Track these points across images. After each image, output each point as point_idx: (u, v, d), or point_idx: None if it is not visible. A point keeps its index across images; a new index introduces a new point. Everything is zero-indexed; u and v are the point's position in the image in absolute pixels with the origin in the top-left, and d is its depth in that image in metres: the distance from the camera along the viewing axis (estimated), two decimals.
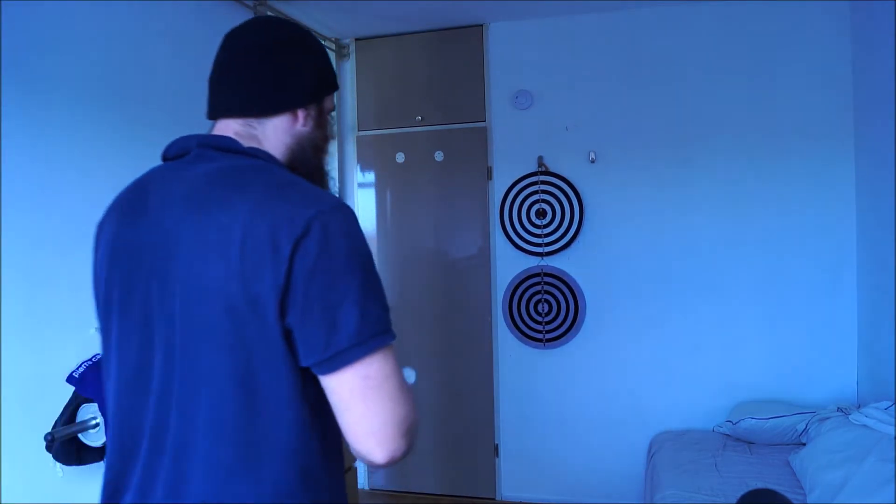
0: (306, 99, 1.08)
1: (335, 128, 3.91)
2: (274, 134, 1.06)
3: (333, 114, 1.18)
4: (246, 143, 1.04)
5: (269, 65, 1.04)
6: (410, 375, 1.37)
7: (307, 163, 1.09)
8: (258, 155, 1.02)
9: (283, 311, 0.90)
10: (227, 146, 1.02)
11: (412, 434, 0.96)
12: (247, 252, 0.90)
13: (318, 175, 1.12)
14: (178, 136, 1.11)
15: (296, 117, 1.07)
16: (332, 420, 0.97)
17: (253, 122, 1.05)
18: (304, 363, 0.92)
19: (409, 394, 0.96)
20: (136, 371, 0.99)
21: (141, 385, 0.99)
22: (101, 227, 1.11)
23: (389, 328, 0.94)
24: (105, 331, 1.06)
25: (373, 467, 0.94)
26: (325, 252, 0.90)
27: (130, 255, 1.01)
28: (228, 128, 1.06)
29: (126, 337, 1.01)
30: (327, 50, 3.82)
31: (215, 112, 1.08)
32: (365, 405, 0.91)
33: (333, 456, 1.02)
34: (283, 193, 0.93)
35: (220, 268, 0.91)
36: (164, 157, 1.10)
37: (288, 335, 0.92)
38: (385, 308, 0.95)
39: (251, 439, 0.92)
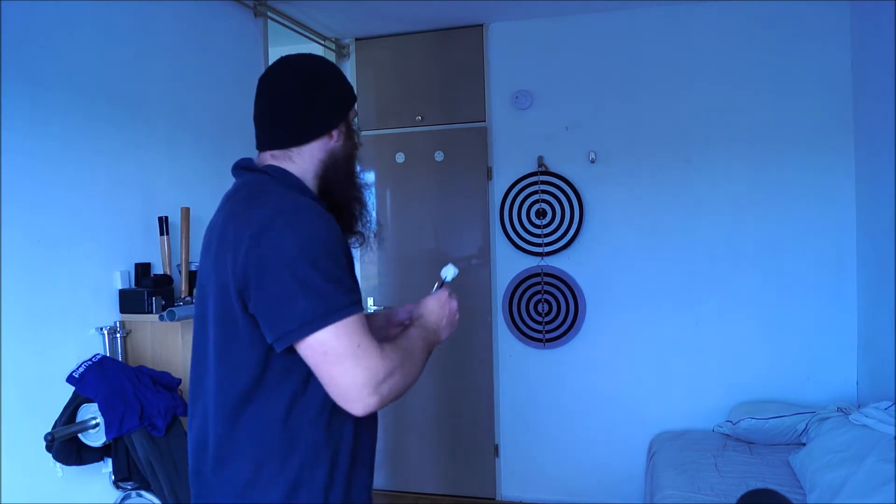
0: (334, 123, 1.28)
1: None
2: (310, 154, 1.27)
3: (356, 125, 1.37)
4: (277, 162, 1.26)
5: (301, 106, 1.24)
6: (449, 272, 1.43)
7: (338, 171, 1.29)
8: (268, 172, 1.23)
9: (243, 301, 1.13)
10: (246, 165, 1.26)
11: (384, 387, 1.12)
12: (220, 250, 1.16)
13: (349, 181, 1.32)
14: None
15: (331, 137, 1.28)
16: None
17: (294, 149, 1.26)
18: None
19: (371, 355, 1.11)
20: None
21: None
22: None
23: (337, 309, 1.09)
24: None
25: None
26: (270, 251, 1.09)
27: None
28: (267, 153, 1.28)
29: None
30: (327, 50, 3.84)
31: (263, 146, 1.28)
32: (328, 373, 1.11)
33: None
34: (252, 201, 1.16)
35: (212, 262, 1.18)
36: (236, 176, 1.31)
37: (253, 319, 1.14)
38: (330, 292, 1.10)
39: None
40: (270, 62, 3.28)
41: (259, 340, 1.14)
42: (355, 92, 1.36)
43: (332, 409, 1.17)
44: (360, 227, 1.37)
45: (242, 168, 1.27)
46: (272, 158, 1.26)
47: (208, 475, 1.20)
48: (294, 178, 1.24)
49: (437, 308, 1.36)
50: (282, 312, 1.09)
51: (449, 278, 1.40)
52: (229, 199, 1.23)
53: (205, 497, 1.21)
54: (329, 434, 1.19)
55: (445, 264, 1.43)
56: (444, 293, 1.37)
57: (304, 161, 1.26)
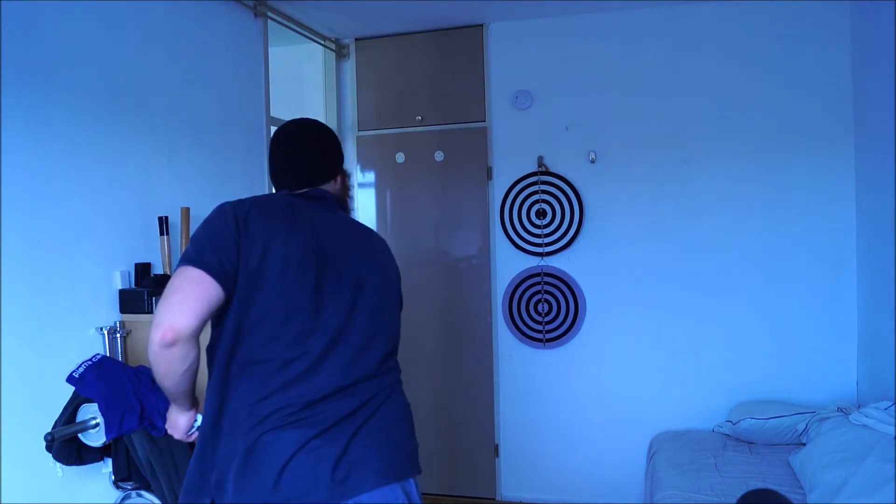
0: (337, 170, 1.71)
1: (337, 127, 3.92)
2: (331, 190, 1.69)
3: (349, 172, 1.81)
4: None
5: (319, 154, 1.67)
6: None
7: (344, 206, 1.74)
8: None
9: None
10: (335, 199, 1.69)
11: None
12: (392, 261, 1.76)
13: (348, 211, 1.79)
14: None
15: (335, 181, 1.69)
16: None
17: (324, 185, 1.66)
18: None
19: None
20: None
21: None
22: (250, 215, 1.47)
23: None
24: (266, 286, 1.45)
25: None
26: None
27: (316, 251, 1.51)
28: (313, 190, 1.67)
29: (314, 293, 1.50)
30: (327, 50, 3.84)
31: (293, 183, 1.64)
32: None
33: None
34: (368, 230, 1.76)
35: (390, 265, 1.75)
36: (299, 195, 1.61)
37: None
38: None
39: None
40: (270, 62, 3.31)
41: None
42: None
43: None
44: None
45: (334, 204, 1.67)
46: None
47: None
48: None
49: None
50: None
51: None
52: (351, 225, 1.67)
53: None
54: None
55: None
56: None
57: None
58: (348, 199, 1.77)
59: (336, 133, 1.78)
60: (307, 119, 1.72)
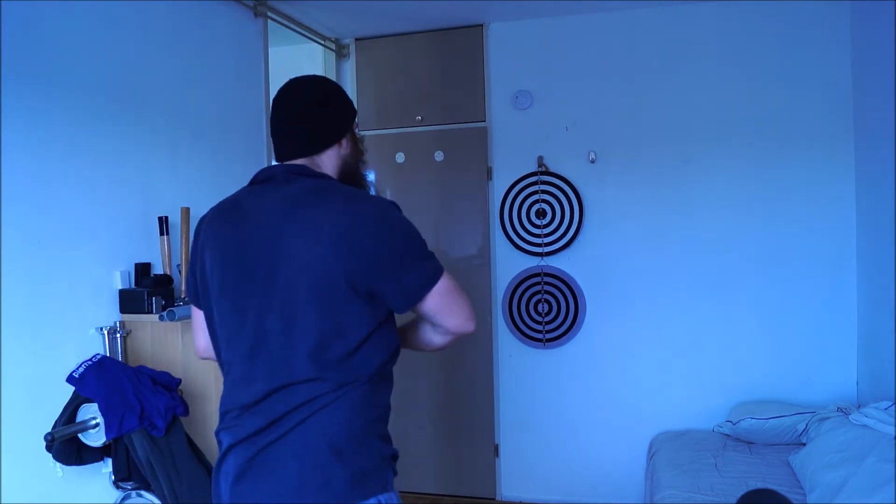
0: (343, 132, 1.50)
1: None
2: (329, 161, 1.49)
3: (359, 133, 1.60)
4: (316, 168, 1.47)
5: (317, 120, 1.46)
6: None
7: (353, 173, 1.55)
8: (326, 177, 1.46)
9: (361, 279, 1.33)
10: (307, 172, 1.44)
11: None
12: (337, 239, 1.31)
13: (360, 178, 1.58)
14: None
15: (340, 145, 1.50)
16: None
17: (315, 157, 1.48)
18: (395, 308, 1.44)
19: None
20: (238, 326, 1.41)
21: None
22: (201, 228, 1.50)
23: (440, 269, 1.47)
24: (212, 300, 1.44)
25: None
26: (383, 235, 1.34)
27: (238, 249, 1.39)
28: (297, 163, 1.47)
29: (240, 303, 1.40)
30: (327, 50, 3.84)
31: (285, 156, 1.48)
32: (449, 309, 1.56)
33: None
34: (356, 199, 1.37)
35: (315, 249, 1.31)
36: (254, 182, 1.49)
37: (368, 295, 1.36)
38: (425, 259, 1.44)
39: None
40: (270, 62, 3.30)
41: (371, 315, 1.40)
42: (355, 105, 1.60)
43: None
44: None
45: (301, 174, 1.43)
46: (311, 164, 1.47)
47: None
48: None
49: None
50: (411, 280, 1.39)
51: None
52: (308, 194, 1.37)
53: None
54: None
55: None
56: None
57: (326, 168, 1.48)
58: (360, 165, 1.57)
59: (342, 90, 1.54)
60: (306, 77, 1.51)
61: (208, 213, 1.52)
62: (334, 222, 1.31)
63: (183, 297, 2.38)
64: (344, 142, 1.50)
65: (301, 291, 1.31)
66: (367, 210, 1.34)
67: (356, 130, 1.57)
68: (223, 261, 1.41)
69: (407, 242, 1.37)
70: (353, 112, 1.54)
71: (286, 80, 1.51)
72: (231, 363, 1.41)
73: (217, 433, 1.43)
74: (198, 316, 1.54)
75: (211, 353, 1.52)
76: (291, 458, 1.30)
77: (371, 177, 3.94)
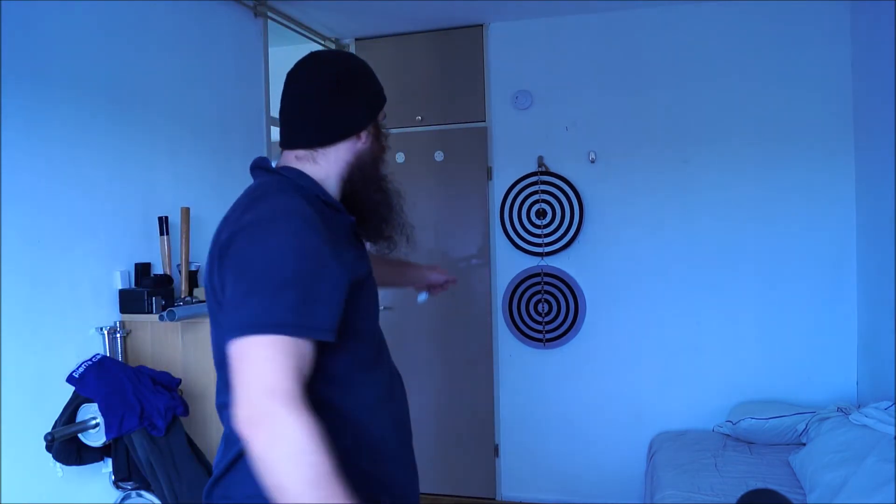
0: (364, 123, 1.24)
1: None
2: (336, 156, 1.23)
3: (384, 126, 1.33)
4: (299, 164, 1.22)
5: (329, 105, 1.20)
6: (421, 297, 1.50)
7: (364, 175, 1.25)
8: (282, 173, 1.20)
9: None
10: (263, 166, 1.24)
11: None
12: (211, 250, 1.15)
13: (375, 184, 1.29)
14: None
15: (359, 138, 1.24)
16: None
17: (319, 150, 1.21)
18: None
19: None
20: None
21: None
22: None
23: (278, 323, 1.00)
24: None
25: None
26: (236, 256, 1.07)
27: None
28: (292, 153, 1.24)
29: None
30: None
31: (288, 145, 1.24)
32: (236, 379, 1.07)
33: None
34: (247, 207, 1.13)
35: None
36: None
37: None
38: (280, 307, 1.01)
39: None
40: (270, 62, 3.31)
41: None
42: (384, 93, 1.31)
43: None
44: (389, 232, 1.35)
45: (259, 168, 1.24)
46: (296, 160, 1.23)
47: None
48: (311, 181, 1.20)
49: None
50: (234, 311, 1.04)
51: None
52: (238, 201, 1.20)
53: None
54: None
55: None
56: None
57: (328, 163, 1.23)
58: (379, 165, 1.29)
59: (369, 70, 1.28)
60: (311, 55, 1.28)
61: None
62: (218, 228, 1.15)
63: (183, 296, 2.38)
64: (363, 135, 1.25)
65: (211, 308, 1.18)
66: (248, 217, 1.10)
67: (381, 123, 1.30)
68: None
69: (261, 265, 1.03)
70: (376, 102, 1.28)
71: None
72: None
73: None
74: None
75: None
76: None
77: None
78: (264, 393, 0.96)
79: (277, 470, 0.93)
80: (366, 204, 1.29)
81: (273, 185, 1.17)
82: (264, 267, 1.02)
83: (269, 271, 1.01)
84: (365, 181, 1.26)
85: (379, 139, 1.29)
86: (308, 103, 1.22)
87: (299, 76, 1.25)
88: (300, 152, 1.23)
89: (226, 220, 1.14)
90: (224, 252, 1.08)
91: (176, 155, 2.60)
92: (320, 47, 3.81)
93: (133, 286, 2.32)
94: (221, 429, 1.20)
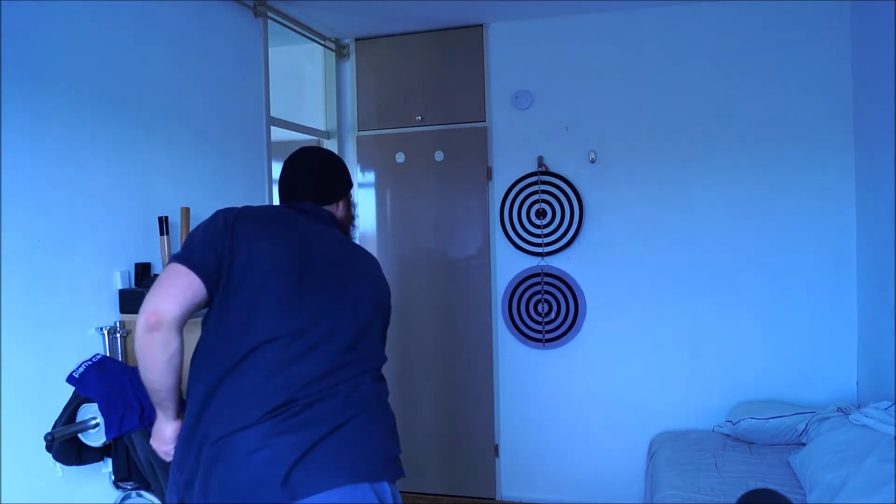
0: (341, 195, 1.81)
1: (340, 127, 3.92)
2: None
3: (354, 201, 1.91)
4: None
5: (330, 179, 1.78)
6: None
7: (346, 232, 1.84)
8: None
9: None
10: (336, 222, 1.78)
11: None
12: (382, 282, 1.77)
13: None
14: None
15: (337, 207, 1.79)
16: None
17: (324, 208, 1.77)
18: None
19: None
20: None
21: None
22: (238, 221, 1.57)
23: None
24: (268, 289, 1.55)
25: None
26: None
27: (299, 248, 1.59)
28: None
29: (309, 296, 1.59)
30: (327, 50, 3.84)
31: (297, 199, 1.73)
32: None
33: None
34: (363, 252, 1.80)
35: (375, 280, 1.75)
36: (294, 208, 1.69)
37: None
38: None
39: None
40: (270, 62, 3.31)
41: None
42: (352, 180, 1.89)
43: None
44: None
45: (333, 223, 1.77)
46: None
47: None
48: None
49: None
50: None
51: None
52: (343, 239, 1.76)
53: None
54: None
55: None
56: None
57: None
58: (351, 227, 1.86)
59: (341, 163, 1.88)
60: (321, 147, 1.88)
61: (241, 212, 1.59)
62: (376, 265, 1.77)
63: None
64: (340, 204, 1.79)
65: (378, 315, 1.68)
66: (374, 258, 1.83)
67: (352, 199, 1.87)
68: (287, 256, 1.55)
69: None
70: (351, 183, 1.86)
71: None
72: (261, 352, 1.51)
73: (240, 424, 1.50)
74: (190, 286, 1.48)
75: (178, 324, 1.47)
76: (373, 430, 1.61)
77: (370, 177, 3.94)
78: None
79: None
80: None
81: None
82: None
83: None
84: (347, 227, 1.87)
85: (349, 209, 1.84)
86: (310, 176, 1.78)
87: (302, 159, 1.81)
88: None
89: (370, 260, 1.77)
90: (387, 288, 1.79)
91: (176, 155, 2.59)
92: (320, 47, 3.81)
93: (133, 286, 2.32)
94: None
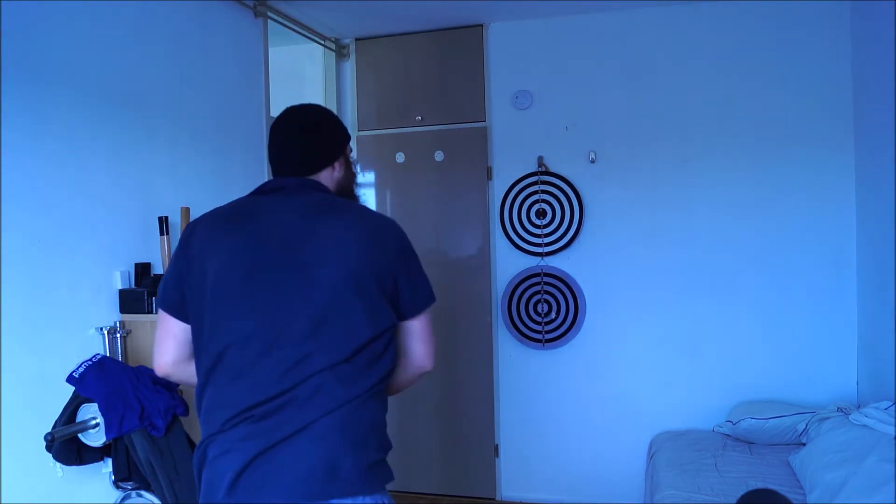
0: (335, 156, 1.60)
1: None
2: (325, 181, 1.58)
3: (353, 157, 1.70)
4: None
5: (314, 143, 1.57)
6: None
7: (348, 194, 1.64)
8: (330, 192, 1.57)
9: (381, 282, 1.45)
10: (321, 188, 1.56)
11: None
12: (367, 237, 1.45)
13: (353, 199, 1.67)
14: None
15: (333, 168, 1.59)
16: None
17: (312, 175, 1.57)
18: (404, 311, 1.50)
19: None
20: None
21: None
22: (193, 235, 1.47)
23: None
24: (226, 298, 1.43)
25: None
26: (402, 247, 1.55)
27: (251, 249, 1.42)
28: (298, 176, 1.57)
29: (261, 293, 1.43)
30: (327, 50, 3.84)
31: (284, 172, 1.56)
32: (429, 336, 1.57)
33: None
34: (367, 213, 1.54)
35: (349, 246, 1.43)
36: (259, 192, 1.53)
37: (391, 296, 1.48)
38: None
39: None
40: (270, 62, 3.31)
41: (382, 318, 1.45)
42: (349, 132, 1.68)
43: None
44: None
45: (317, 189, 1.54)
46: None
47: None
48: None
49: None
50: (422, 290, 1.52)
51: None
52: (317, 207, 1.48)
53: None
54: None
55: None
56: None
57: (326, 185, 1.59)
58: (353, 187, 1.68)
59: (336, 118, 1.67)
60: (303, 105, 1.62)
61: (201, 219, 1.50)
62: (361, 224, 1.47)
63: None
64: (337, 165, 1.59)
65: (343, 291, 1.39)
66: (384, 218, 1.56)
67: (350, 155, 1.66)
68: (230, 265, 1.41)
69: (415, 255, 1.56)
70: (346, 137, 1.64)
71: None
72: (213, 364, 1.41)
73: (211, 436, 1.40)
74: (170, 330, 1.47)
75: (180, 365, 1.49)
76: (338, 437, 1.40)
77: (370, 177, 3.94)
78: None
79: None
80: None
81: (343, 199, 1.57)
82: (416, 253, 1.57)
83: (417, 256, 1.57)
84: (347, 196, 1.64)
85: (349, 167, 1.64)
86: (295, 143, 1.56)
87: (287, 124, 1.58)
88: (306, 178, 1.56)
89: (362, 220, 1.49)
90: (386, 243, 1.49)
91: (176, 155, 2.60)
92: (320, 47, 3.81)
93: (133, 286, 2.32)
94: None
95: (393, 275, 1.47)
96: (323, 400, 1.35)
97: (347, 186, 1.64)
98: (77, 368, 1.98)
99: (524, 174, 3.67)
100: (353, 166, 1.67)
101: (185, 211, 2.44)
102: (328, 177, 1.58)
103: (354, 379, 1.38)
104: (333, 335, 1.38)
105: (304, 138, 1.56)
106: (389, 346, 1.46)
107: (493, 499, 3.78)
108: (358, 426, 1.37)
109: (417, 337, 1.53)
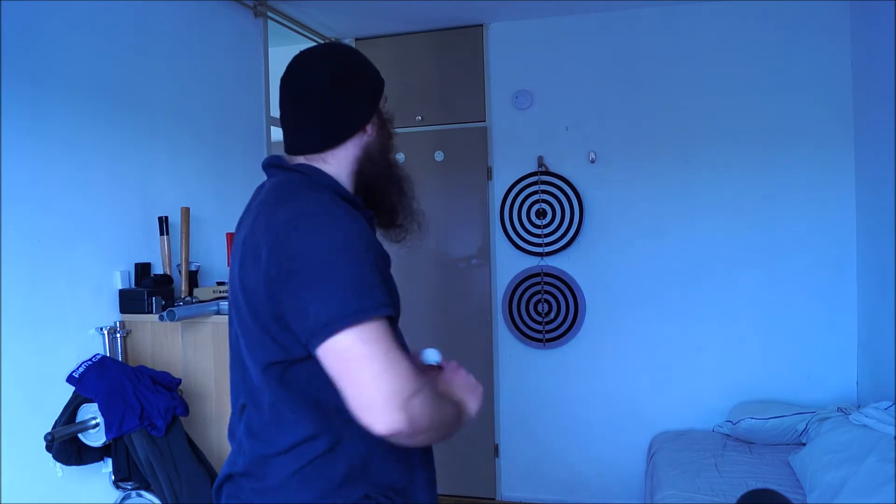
0: (367, 117, 1.20)
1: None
2: (345, 154, 1.19)
3: (386, 113, 1.28)
4: (310, 162, 1.19)
5: (330, 106, 1.17)
6: (433, 356, 1.41)
7: (374, 165, 1.22)
8: (300, 170, 1.17)
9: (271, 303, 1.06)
10: (279, 164, 1.20)
11: (414, 404, 1.01)
12: (245, 254, 1.10)
13: (385, 172, 1.24)
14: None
15: (364, 132, 1.20)
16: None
17: (328, 152, 1.19)
18: (304, 343, 1.04)
19: (401, 365, 1.01)
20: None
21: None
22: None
23: (362, 309, 1.00)
24: None
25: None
26: (288, 254, 1.03)
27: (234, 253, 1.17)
28: (299, 159, 1.22)
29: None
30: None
31: (295, 152, 1.21)
32: (349, 380, 0.99)
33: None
34: (278, 204, 1.09)
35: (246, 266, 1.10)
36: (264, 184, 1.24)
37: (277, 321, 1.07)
38: (355, 294, 1.01)
39: None
40: (270, 62, 3.30)
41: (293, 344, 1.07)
42: (380, 75, 1.26)
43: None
44: (401, 220, 1.30)
45: (274, 166, 1.21)
46: (305, 158, 1.20)
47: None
48: (329, 178, 1.17)
49: (463, 384, 1.32)
50: (306, 314, 1.01)
51: (436, 361, 1.35)
52: (258, 201, 1.16)
53: None
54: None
55: (426, 350, 1.39)
56: (467, 377, 1.36)
57: (338, 161, 1.19)
58: (385, 156, 1.24)
59: (350, 70, 1.20)
60: (300, 57, 1.23)
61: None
62: (248, 225, 1.12)
63: (183, 296, 2.38)
64: (369, 127, 1.21)
65: (247, 322, 1.11)
66: (283, 212, 1.07)
67: (384, 110, 1.25)
68: (232, 274, 1.21)
69: (314, 261, 1.01)
70: (375, 91, 1.23)
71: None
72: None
73: None
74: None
75: None
76: None
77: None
78: (404, 378, 1.00)
79: (439, 417, 1.16)
80: (377, 193, 1.25)
81: (298, 182, 1.14)
82: (324, 260, 1.01)
83: (333, 264, 1.01)
84: (375, 171, 1.22)
85: (385, 126, 1.24)
86: (308, 108, 1.18)
87: (293, 81, 1.21)
88: (312, 157, 1.21)
89: (258, 219, 1.09)
90: (273, 250, 1.04)
91: (176, 155, 2.59)
92: None
93: (133, 286, 2.32)
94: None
95: (270, 291, 1.05)
96: (241, 451, 1.16)
97: (378, 154, 1.23)
98: (77, 368, 1.99)
99: (524, 174, 3.67)
100: (388, 123, 1.26)
101: (185, 211, 2.44)
102: (354, 146, 1.21)
103: (262, 431, 1.12)
104: (234, 373, 1.17)
105: (323, 105, 1.18)
106: (299, 393, 1.10)
107: (493, 499, 3.78)
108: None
109: (336, 380, 1.02)
